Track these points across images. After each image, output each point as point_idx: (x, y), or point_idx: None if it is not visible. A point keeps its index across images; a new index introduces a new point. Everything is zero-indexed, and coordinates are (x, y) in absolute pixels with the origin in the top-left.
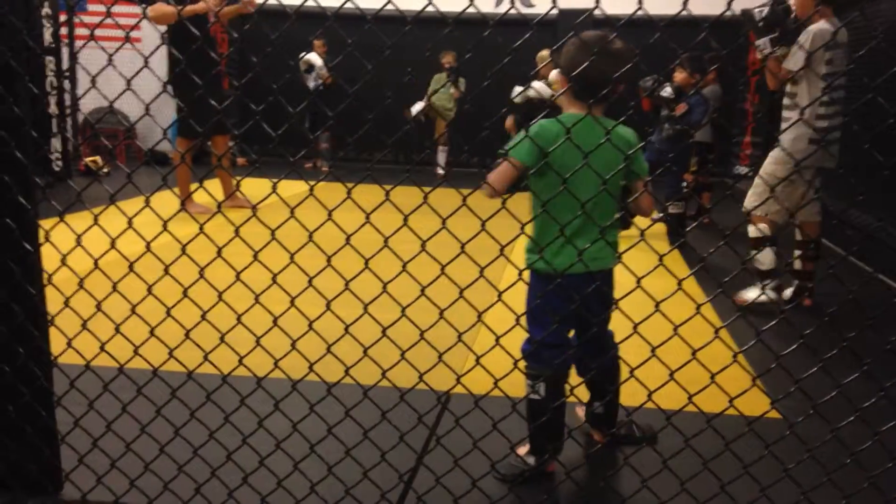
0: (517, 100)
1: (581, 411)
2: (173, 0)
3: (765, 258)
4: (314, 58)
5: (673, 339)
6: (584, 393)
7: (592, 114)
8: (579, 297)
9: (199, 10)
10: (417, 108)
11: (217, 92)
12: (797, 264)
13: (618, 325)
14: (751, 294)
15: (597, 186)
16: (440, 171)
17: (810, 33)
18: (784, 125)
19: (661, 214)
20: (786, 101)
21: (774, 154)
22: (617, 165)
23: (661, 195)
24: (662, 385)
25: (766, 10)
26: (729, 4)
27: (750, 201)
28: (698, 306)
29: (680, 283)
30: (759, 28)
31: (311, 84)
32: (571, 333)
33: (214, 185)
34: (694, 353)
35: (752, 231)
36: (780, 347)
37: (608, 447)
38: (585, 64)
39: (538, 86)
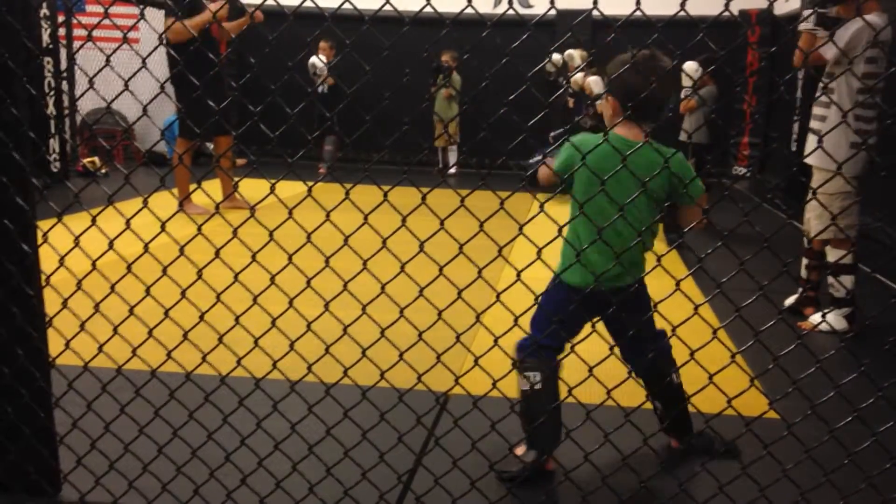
0: (549, 67)
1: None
2: (181, 13)
3: (847, 284)
4: (316, 60)
5: (671, 340)
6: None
7: (633, 134)
8: (607, 309)
9: (205, 22)
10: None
11: (218, 92)
12: (804, 273)
13: None
14: (836, 323)
15: (638, 207)
16: (451, 171)
17: (854, 24)
18: (814, 123)
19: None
20: (820, 97)
21: (818, 171)
22: (658, 186)
23: None
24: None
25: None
26: (727, 5)
27: (817, 227)
28: (696, 307)
29: (678, 283)
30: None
31: (321, 87)
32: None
33: (214, 186)
34: (692, 353)
35: (833, 255)
36: (778, 348)
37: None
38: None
39: (573, 53)
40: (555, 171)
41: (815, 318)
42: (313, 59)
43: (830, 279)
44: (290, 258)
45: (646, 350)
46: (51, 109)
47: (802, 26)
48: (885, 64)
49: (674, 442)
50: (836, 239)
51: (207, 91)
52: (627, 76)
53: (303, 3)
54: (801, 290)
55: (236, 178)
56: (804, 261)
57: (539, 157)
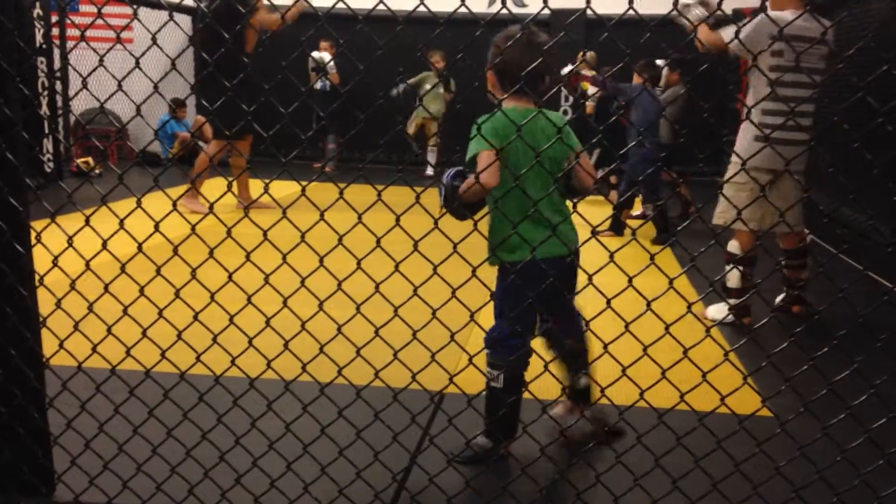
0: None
1: (557, 408)
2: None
3: (731, 276)
4: (326, 57)
5: (664, 338)
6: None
7: (523, 105)
8: (543, 283)
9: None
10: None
11: (249, 93)
12: (785, 271)
13: (609, 323)
14: (717, 313)
15: (543, 177)
16: (430, 172)
17: (758, 16)
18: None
19: (650, 214)
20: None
21: (732, 159)
22: (554, 152)
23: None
24: (654, 384)
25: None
26: (719, 5)
27: (718, 215)
28: (689, 305)
29: (671, 281)
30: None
31: (319, 85)
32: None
33: (208, 187)
34: (685, 351)
35: (729, 246)
36: (770, 346)
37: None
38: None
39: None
40: (484, 149)
41: (716, 311)
42: (315, 53)
43: (726, 267)
44: (284, 258)
45: (567, 326)
46: (44, 110)
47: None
48: (793, 56)
49: (579, 410)
50: (736, 230)
51: (241, 92)
52: (503, 49)
53: (296, 2)
54: (786, 289)
55: (266, 180)
56: (783, 261)
57: (451, 175)
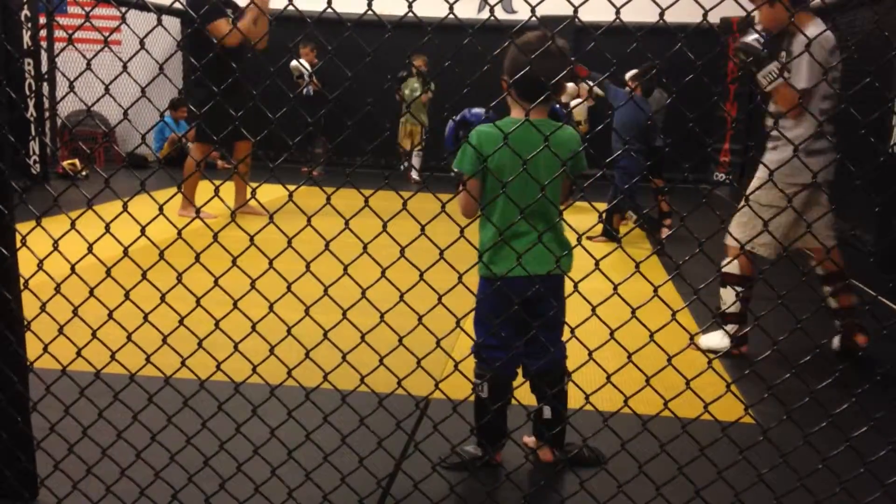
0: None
1: (529, 441)
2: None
3: (727, 299)
4: (298, 64)
5: (649, 345)
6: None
7: (533, 115)
8: (520, 300)
9: (248, 29)
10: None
11: (238, 98)
12: (831, 302)
13: (594, 330)
14: (712, 341)
15: (538, 189)
16: (415, 177)
17: (803, 59)
18: (771, 143)
19: (640, 221)
20: (772, 118)
21: (758, 174)
22: (557, 167)
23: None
24: (639, 391)
25: (750, 38)
26: (704, 16)
27: (735, 231)
28: (674, 313)
29: (656, 289)
30: (763, 58)
31: (306, 90)
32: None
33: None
34: (669, 359)
35: (728, 266)
36: (754, 353)
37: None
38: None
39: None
40: (473, 176)
41: (712, 339)
42: (295, 63)
43: (721, 291)
44: (270, 262)
45: (541, 352)
46: (31, 112)
47: (772, 81)
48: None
49: (546, 454)
50: (735, 249)
51: (228, 97)
52: (518, 56)
53: (286, 7)
54: (837, 323)
55: (255, 184)
56: (826, 289)
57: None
